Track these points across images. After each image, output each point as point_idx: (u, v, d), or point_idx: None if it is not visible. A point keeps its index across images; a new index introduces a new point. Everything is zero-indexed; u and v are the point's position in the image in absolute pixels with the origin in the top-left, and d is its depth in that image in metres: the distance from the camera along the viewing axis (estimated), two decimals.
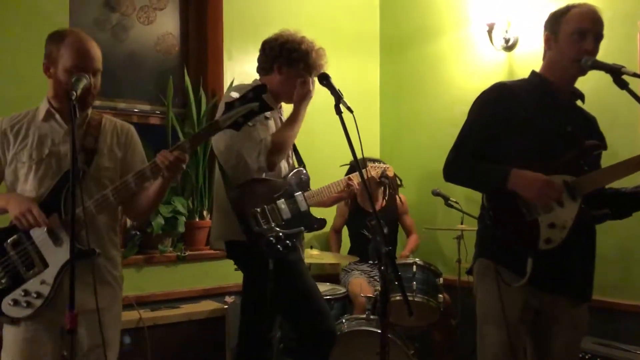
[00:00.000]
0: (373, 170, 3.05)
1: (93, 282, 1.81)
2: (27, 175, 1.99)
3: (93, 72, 1.97)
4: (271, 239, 2.36)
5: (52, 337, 1.95)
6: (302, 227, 2.52)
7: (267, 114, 2.52)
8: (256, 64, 2.63)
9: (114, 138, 2.12)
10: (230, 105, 1.91)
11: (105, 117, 2.15)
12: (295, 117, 2.49)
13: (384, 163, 3.29)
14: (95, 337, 1.90)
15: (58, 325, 1.93)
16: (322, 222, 2.61)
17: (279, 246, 2.37)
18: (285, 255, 2.39)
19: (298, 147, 2.72)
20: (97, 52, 2.00)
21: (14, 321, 1.94)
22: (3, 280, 1.94)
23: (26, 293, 1.92)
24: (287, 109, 2.64)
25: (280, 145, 2.40)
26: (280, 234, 2.39)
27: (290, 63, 2.50)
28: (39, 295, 1.92)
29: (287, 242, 2.40)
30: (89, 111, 2.09)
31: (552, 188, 1.90)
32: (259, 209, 2.38)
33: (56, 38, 1.97)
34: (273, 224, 2.39)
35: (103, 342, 1.86)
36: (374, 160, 3.74)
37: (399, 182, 3.98)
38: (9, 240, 1.95)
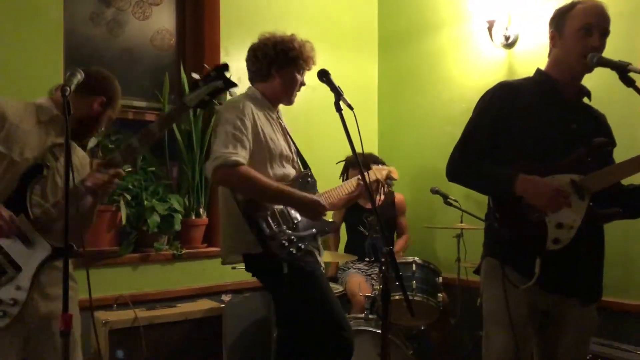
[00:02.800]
0: (378, 173, 2.88)
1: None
2: None
3: None
4: (284, 241, 2.29)
5: (14, 348, 1.89)
6: (314, 230, 2.42)
7: (269, 113, 2.48)
8: None
9: (78, 157, 2.13)
10: (195, 84, 1.89)
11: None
12: (287, 195, 2.31)
13: (384, 164, 3.18)
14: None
15: (21, 335, 1.89)
16: (332, 225, 2.57)
17: (292, 249, 2.29)
18: (299, 260, 2.31)
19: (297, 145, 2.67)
20: None
21: None
22: None
23: (0, 302, 1.82)
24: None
25: (242, 178, 2.23)
26: (293, 237, 2.32)
27: (288, 63, 2.46)
28: (15, 302, 1.83)
29: (300, 245, 2.32)
30: None
31: (562, 195, 1.87)
32: (269, 212, 2.30)
33: None
34: (284, 227, 2.31)
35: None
36: (376, 162, 3.68)
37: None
38: None
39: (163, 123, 1.90)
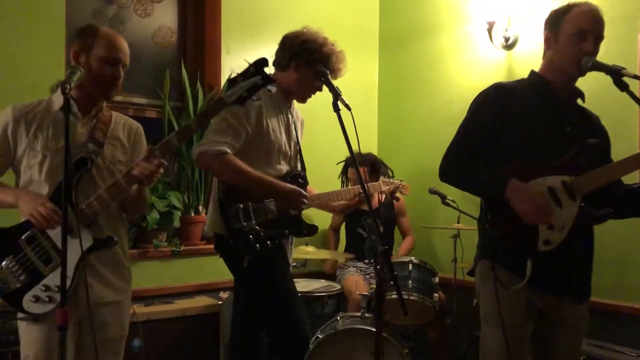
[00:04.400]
0: (384, 186, 2.96)
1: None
2: (40, 165, 1.97)
3: (123, 65, 2.04)
4: (250, 237, 2.32)
5: (70, 330, 1.92)
6: (286, 230, 2.45)
7: (278, 106, 2.49)
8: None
9: (125, 133, 2.15)
10: (233, 81, 1.91)
11: (114, 113, 2.18)
12: (268, 185, 2.37)
13: (384, 163, 3.19)
14: (119, 328, 2.02)
15: (75, 319, 1.94)
16: (312, 229, 2.56)
17: (257, 245, 2.31)
18: (264, 255, 2.34)
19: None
20: (127, 47, 2.06)
21: (37, 318, 1.91)
22: (22, 278, 1.91)
23: (47, 288, 1.90)
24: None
25: (223, 166, 2.30)
26: (262, 233, 2.33)
27: (309, 63, 2.42)
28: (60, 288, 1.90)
29: (268, 242, 2.34)
30: (103, 105, 2.11)
31: (545, 210, 1.88)
32: (241, 206, 2.33)
33: (90, 29, 2.02)
34: (254, 222, 2.33)
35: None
36: (375, 162, 3.72)
37: (390, 174, 3.96)
38: (23, 237, 1.92)
39: (200, 119, 1.95)
